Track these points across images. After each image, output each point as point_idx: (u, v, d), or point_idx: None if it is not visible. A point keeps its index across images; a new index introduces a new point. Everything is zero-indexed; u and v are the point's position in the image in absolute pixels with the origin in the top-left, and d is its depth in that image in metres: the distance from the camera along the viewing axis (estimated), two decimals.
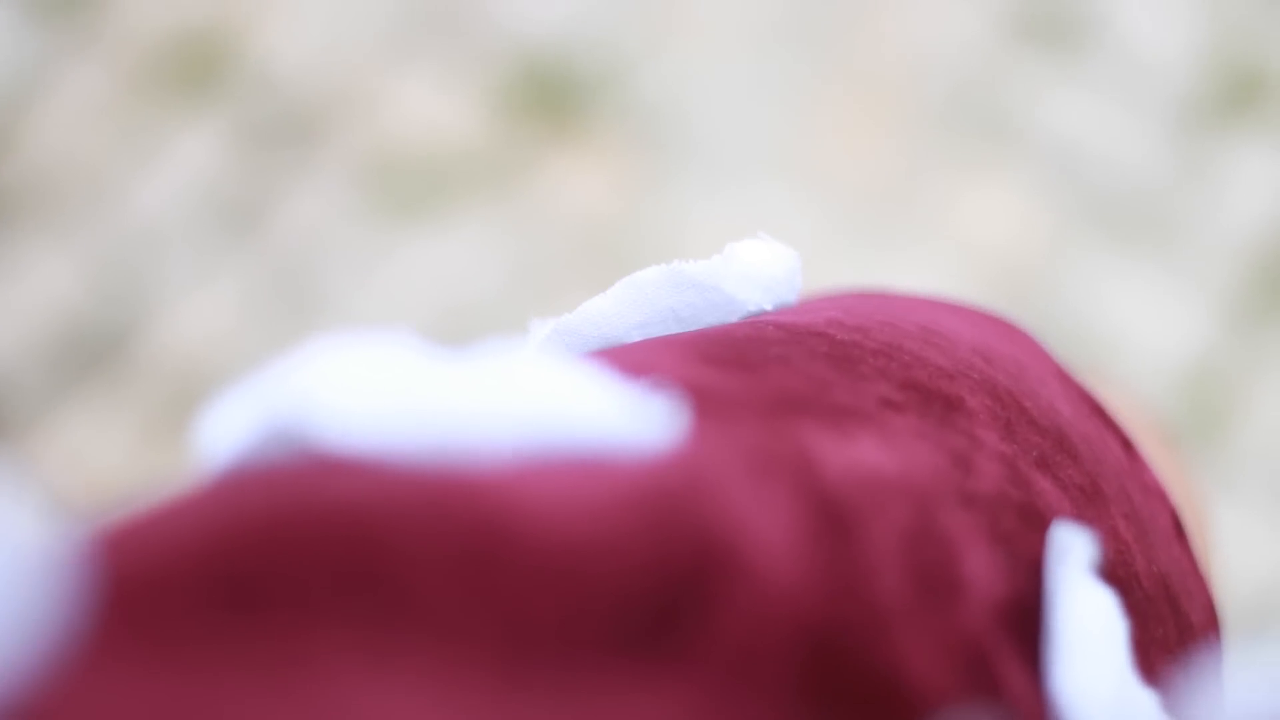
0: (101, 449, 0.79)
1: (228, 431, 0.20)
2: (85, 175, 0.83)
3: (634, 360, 0.24)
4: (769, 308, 0.28)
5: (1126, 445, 0.29)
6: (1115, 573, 0.25)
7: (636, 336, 0.28)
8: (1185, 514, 0.30)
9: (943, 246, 0.80)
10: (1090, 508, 0.26)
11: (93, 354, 0.80)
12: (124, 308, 0.81)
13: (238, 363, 0.80)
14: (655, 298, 0.27)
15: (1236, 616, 0.73)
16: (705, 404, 0.22)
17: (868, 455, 0.23)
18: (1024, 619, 0.23)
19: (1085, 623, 0.22)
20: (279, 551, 0.17)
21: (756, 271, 0.28)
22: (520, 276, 0.79)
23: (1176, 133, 0.82)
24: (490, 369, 0.20)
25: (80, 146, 0.83)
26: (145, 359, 0.79)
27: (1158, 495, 0.29)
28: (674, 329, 0.28)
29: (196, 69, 0.84)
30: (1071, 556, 0.23)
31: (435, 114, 0.84)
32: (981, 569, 0.23)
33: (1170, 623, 0.26)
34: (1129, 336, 0.79)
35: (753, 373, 0.24)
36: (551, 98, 0.83)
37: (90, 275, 0.81)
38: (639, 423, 0.21)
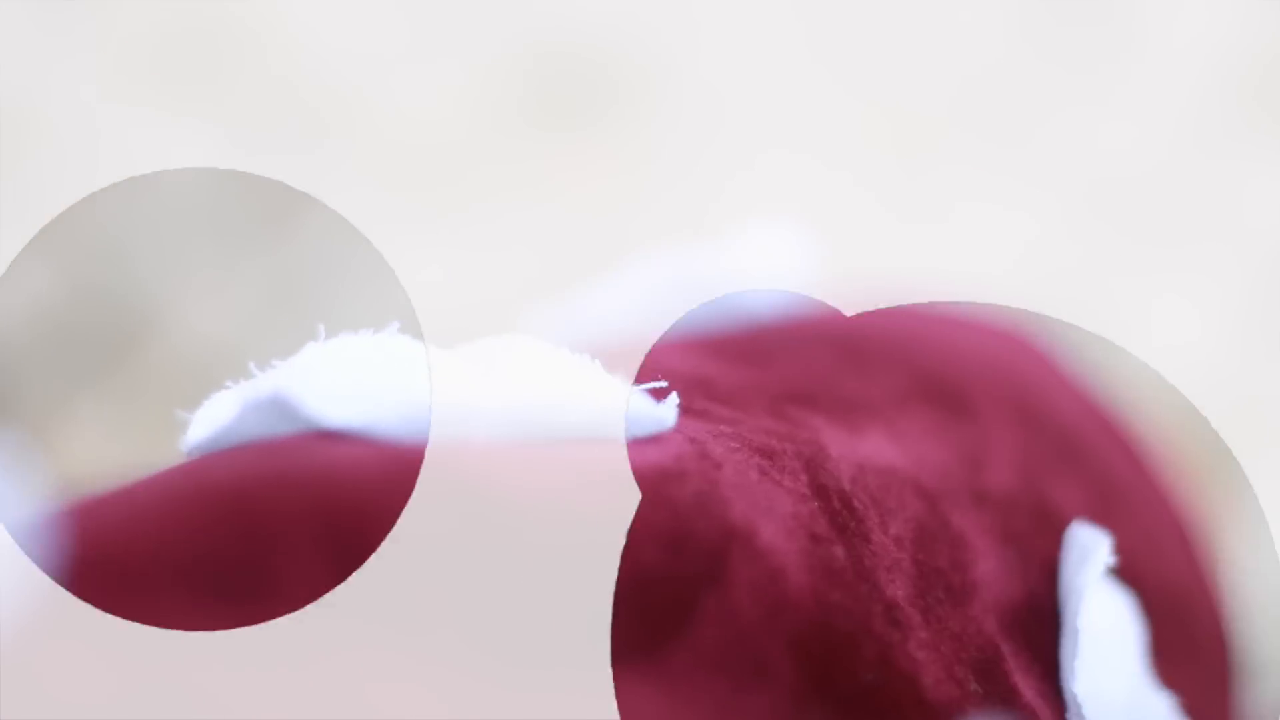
0: (111, 453, 0.79)
1: (212, 417, 0.19)
2: (92, 168, 0.83)
3: (635, 353, 0.24)
4: (775, 300, 0.28)
5: (1136, 456, 0.29)
6: (1127, 579, 0.25)
7: (638, 330, 0.27)
8: (1196, 527, 0.30)
9: (959, 247, 0.79)
10: (1101, 513, 0.26)
11: (103, 356, 0.80)
12: (132, 310, 0.81)
13: (252, 365, 0.80)
14: (659, 293, 0.27)
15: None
16: (711, 397, 0.22)
17: (879, 451, 0.22)
18: (1036, 622, 0.23)
19: (1103, 627, 0.22)
20: (252, 518, 0.16)
21: (765, 263, 0.27)
22: (543, 276, 0.79)
23: (1200, 134, 0.82)
24: (488, 360, 0.20)
25: (84, 135, 0.83)
26: (157, 361, 0.79)
27: (1168, 506, 0.29)
28: (676, 321, 0.28)
29: (207, 61, 0.84)
30: (1089, 560, 0.23)
31: (453, 110, 0.83)
32: (994, 571, 0.22)
33: (1180, 632, 0.26)
34: (1146, 341, 0.78)
35: (759, 365, 0.24)
36: (580, 94, 0.82)
37: (95, 274, 0.81)
38: (642, 415, 0.20)
